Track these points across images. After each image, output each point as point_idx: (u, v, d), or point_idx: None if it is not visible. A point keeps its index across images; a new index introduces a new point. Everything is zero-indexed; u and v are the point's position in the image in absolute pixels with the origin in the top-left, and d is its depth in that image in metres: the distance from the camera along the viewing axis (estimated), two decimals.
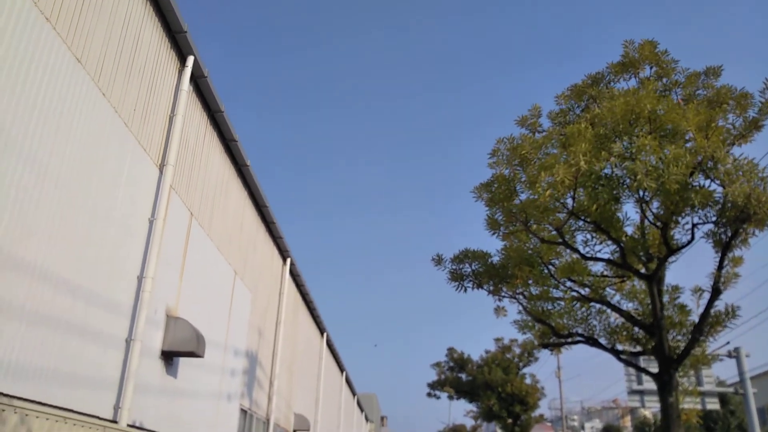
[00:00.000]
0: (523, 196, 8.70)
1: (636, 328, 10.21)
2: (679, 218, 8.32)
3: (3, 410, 5.36)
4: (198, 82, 11.28)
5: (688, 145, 7.69)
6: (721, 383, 26.44)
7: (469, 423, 73.69)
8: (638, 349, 10.48)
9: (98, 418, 7.51)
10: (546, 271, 9.69)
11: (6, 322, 6.11)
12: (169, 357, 10.27)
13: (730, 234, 8.22)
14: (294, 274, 20.78)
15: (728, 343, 18.98)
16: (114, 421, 8.17)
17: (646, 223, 9.12)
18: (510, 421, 43.82)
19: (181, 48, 10.45)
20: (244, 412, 15.15)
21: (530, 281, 9.80)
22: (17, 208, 6.30)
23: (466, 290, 9.99)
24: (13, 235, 6.24)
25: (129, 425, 8.42)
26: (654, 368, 9.25)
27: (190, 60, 10.59)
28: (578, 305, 10.28)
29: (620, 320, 10.39)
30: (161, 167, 9.82)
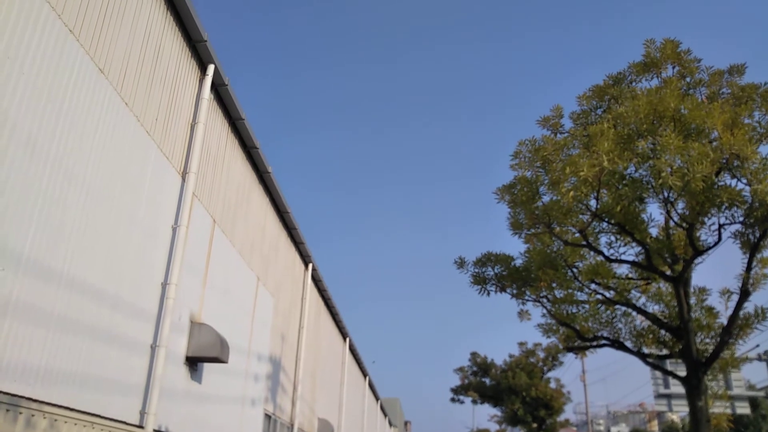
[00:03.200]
0: (545, 198, 8.63)
1: (662, 331, 10.06)
2: (705, 219, 8.19)
3: (33, 415, 5.44)
4: (219, 90, 11.38)
5: (714, 144, 7.57)
6: (751, 387, 25.94)
7: (494, 428, 73.13)
8: (665, 352, 10.32)
9: (125, 423, 7.58)
10: (570, 273, 9.59)
11: (35, 329, 6.20)
12: (193, 362, 10.35)
13: (758, 234, 8.07)
14: (316, 280, 20.83)
15: (758, 345, 18.67)
16: (140, 426, 8.25)
17: (672, 224, 8.99)
18: (535, 425, 43.42)
19: (201, 57, 10.56)
20: (268, 416, 15.20)
21: (554, 284, 9.70)
22: (45, 215, 6.40)
23: (489, 294, 9.92)
24: (41, 242, 6.34)
25: (155, 430, 8.50)
26: (681, 371, 9.10)
27: (211, 68, 10.69)
28: (603, 308, 10.16)
29: (646, 323, 10.25)
30: (183, 175, 9.91)
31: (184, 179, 9.91)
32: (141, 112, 8.51)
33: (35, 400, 5.82)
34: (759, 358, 18.15)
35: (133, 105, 8.28)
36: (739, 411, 18.50)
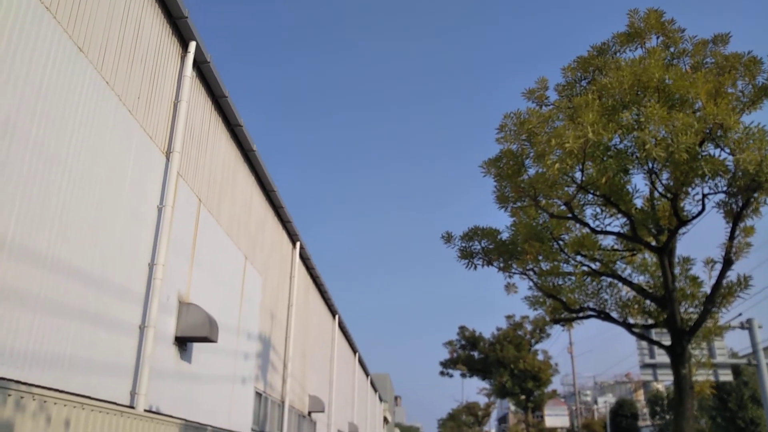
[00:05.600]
0: (531, 171, 8.65)
1: (648, 301, 10.18)
2: (689, 189, 8.24)
3: (22, 397, 5.42)
4: (201, 68, 11.23)
5: (698, 114, 7.60)
6: (734, 355, 26.41)
7: (483, 400, 74.25)
8: (650, 322, 10.46)
9: (115, 404, 7.59)
10: (556, 246, 9.65)
11: (21, 312, 6.16)
12: (182, 342, 10.36)
13: (741, 203, 8.15)
14: (304, 258, 20.83)
15: (740, 314, 18.94)
16: (131, 407, 8.27)
17: (656, 194, 9.05)
18: (523, 397, 44.07)
19: (182, 34, 10.40)
20: (259, 394, 15.29)
21: (540, 257, 9.76)
22: (27, 197, 6.33)
23: (476, 267, 9.98)
24: (24, 225, 6.28)
25: (146, 410, 8.52)
26: (666, 341, 9.23)
27: (192, 45, 10.54)
28: (589, 279, 10.25)
29: (632, 293, 10.36)
30: (168, 154, 9.82)
31: (168, 159, 9.81)
32: (122, 90, 8.39)
33: (24, 383, 5.81)
34: (741, 327, 18.46)
35: (114, 84, 8.15)
36: (722, 378, 18.84)
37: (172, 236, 9.82)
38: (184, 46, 10.54)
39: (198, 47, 10.61)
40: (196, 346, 10.98)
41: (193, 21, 10.21)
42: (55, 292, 6.76)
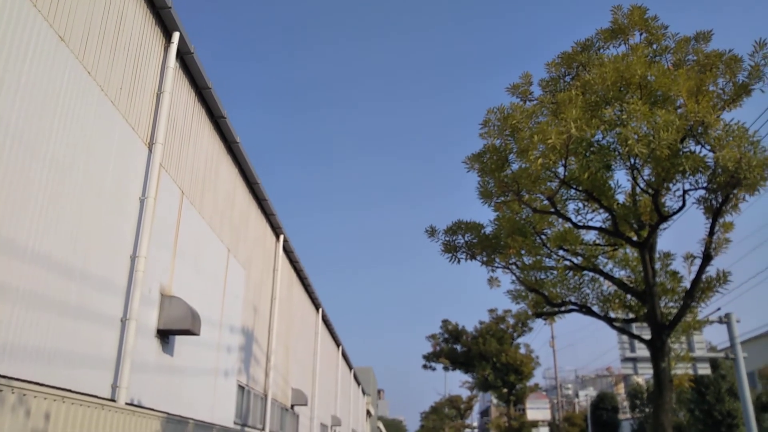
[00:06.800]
0: (515, 167, 8.68)
1: (628, 296, 10.28)
2: (670, 185, 8.32)
3: (1, 390, 5.37)
4: (185, 59, 11.14)
5: (679, 111, 7.67)
6: (712, 348, 26.78)
7: (465, 394, 74.63)
8: (631, 316, 10.57)
9: (96, 397, 7.54)
10: (538, 240, 9.71)
11: (0, 304, 6.09)
12: (164, 335, 10.30)
13: (720, 200, 8.24)
14: (287, 251, 20.78)
15: (719, 309, 19.17)
16: (112, 400, 8.22)
17: (638, 190, 9.13)
18: (505, 390, 44.37)
19: (166, 24, 10.30)
20: (241, 388, 15.26)
21: (523, 251, 9.82)
22: (6, 189, 6.24)
23: (459, 261, 10.01)
24: (4, 216, 6.20)
25: (127, 404, 8.47)
26: (647, 335, 9.33)
27: (176, 36, 10.44)
28: (571, 274, 10.33)
29: (613, 288, 10.45)
30: (150, 146, 9.73)
31: (150, 150, 9.73)
32: (104, 81, 8.29)
33: (3, 376, 5.75)
34: (720, 321, 18.69)
35: (96, 74, 8.06)
36: (701, 372, 19.08)
37: (155, 228, 9.75)
38: (168, 37, 10.44)
39: (181, 38, 10.52)
40: (179, 339, 10.93)
41: (177, 11, 10.12)
42: (36, 284, 6.69)
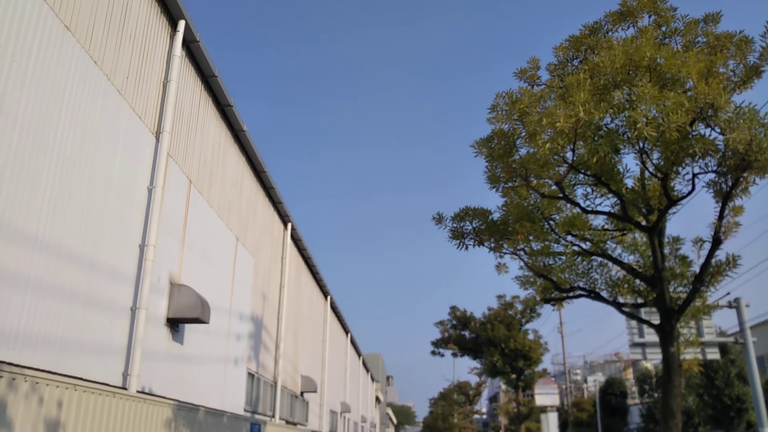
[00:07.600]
0: (522, 152, 8.63)
1: (637, 281, 10.24)
2: (680, 168, 8.25)
3: (14, 379, 5.42)
4: (190, 47, 11.11)
5: (689, 93, 7.59)
6: (722, 333, 26.70)
7: (474, 380, 74.90)
8: (640, 301, 10.53)
9: (107, 385, 7.60)
10: (547, 226, 9.67)
11: (12, 293, 6.14)
12: (174, 324, 10.36)
13: (730, 183, 8.17)
14: (295, 239, 20.83)
15: (728, 293, 19.08)
16: (124, 388, 8.29)
17: (647, 174, 9.06)
18: (514, 376, 44.46)
19: (171, 12, 10.27)
20: (251, 375, 15.35)
21: (531, 237, 9.78)
22: (16, 178, 6.27)
23: (467, 248, 9.98)
24: (14, 206, 6.23)
25: (138, 391, 8.54)
26: (655, 320, 9.30)
27: (181, 24, 10.42)
28: (579, 259, 10.29)
29: (621, 273, 10.41)
30: (157, 134, 9.74)
31: (158, 139, 9.74)
32: (111, 70, 8.29)
33: (16, 365, 5.80)
34: (729, 306, 18.62)
35: (102, 63, 8.05)
36: (710, 356, 19.03)
37: (163, 217, 9.78)
38: (173, 25, 10.42)
39: (187, 26, 10.49)
40: (188, 328, 10.99)
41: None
42: (46, 273, 6.74)
